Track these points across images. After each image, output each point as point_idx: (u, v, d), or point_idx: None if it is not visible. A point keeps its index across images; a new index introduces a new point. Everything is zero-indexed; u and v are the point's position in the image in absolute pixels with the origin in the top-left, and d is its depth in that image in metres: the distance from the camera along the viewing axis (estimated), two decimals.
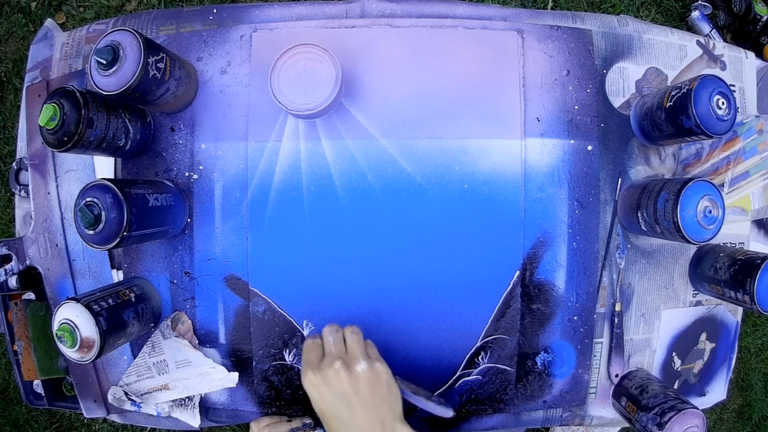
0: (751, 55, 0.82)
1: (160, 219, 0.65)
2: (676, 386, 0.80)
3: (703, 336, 0.80)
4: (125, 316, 0.64)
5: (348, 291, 0.71)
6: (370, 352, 0.59)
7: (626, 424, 0.77)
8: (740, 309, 0.81)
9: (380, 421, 0.55)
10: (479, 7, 0.75)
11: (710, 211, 0.64)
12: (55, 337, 0.60)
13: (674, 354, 0.78)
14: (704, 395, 0.82)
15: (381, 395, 0.56)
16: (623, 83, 0.75)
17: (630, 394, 0.73)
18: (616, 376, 0.76)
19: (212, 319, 0.72)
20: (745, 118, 0.78)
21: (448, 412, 0.61)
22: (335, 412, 0.55)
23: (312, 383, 0.56)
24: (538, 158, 0.71)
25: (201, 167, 0.71)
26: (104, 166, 0.73)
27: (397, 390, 0.58)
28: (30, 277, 0.78)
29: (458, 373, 0.72)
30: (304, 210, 0.70)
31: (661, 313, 0.77)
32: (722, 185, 0.77)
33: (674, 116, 0.66)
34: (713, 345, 0.80)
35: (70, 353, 0.60)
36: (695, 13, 1.51)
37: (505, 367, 0.73)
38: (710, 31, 1.51)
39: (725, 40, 1.56)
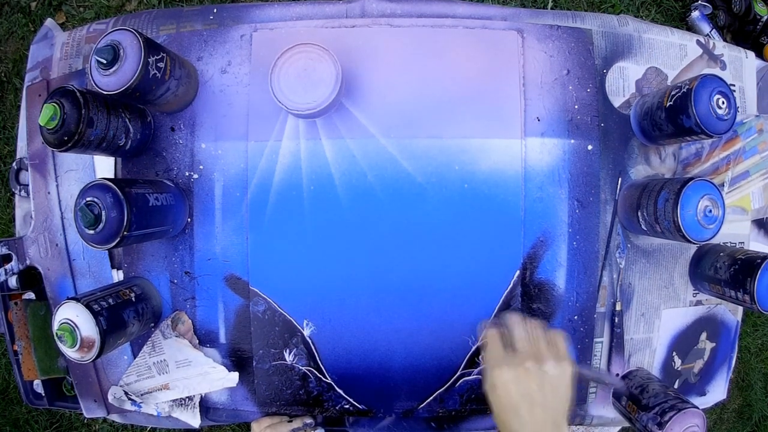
0: (751, 54, 0.82)
1: (160, 218, 0.65)
2: (676, 386, 0.79)
3: (704, 335, 0.80)
4: (125, 315, 0.64)
5: (348, 290, 0.71)
6: (560, 347, 0.59)
7: (626, 424, 0.77)
8: (740, 309, 0.81)
9: (552, 421, 0.56)
10: (479, 6, 0.75)
11: (710, 211, 0.64)
12: (56, 337, 0.59)
13: (674, 353, 0.78)
14: (704, 395, 0.82)
15: (560, 396, 0.57)
16: (623, 83, 0.75)
17: (630, 393, 0.73)
18: (617, 375, 0.76)
19: (212, 319, 0.72)
20: (745, 118, 0.78)
21: (621, 385, 0.74)
22: (516, 409, 0.56)
23: (501, 379, 0.56)
24: (538, 158, 0.71)
25: (201, 167, 0.71)
26: (104, 166, 0.73)
27: (571, 390, 0.59)
28: (30, 277, 0.78)
29: (459, 373, 0.72)
30: (304, 209, 0.70)
31: (661, 312, 0.77)
32: (722, 185, 0.77)
33: (674, 116, 0.66)
34: (713, 344, 0.80)
35: (71, 353, 0.60)
36: (695, 13, 1.51)
37: None
38: (710, 31, 1.51)
39: (725, 40, 1.56)
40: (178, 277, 0.72)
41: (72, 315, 0.59)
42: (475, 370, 0.72)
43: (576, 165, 0.72)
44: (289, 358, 0.72)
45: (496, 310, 0.71)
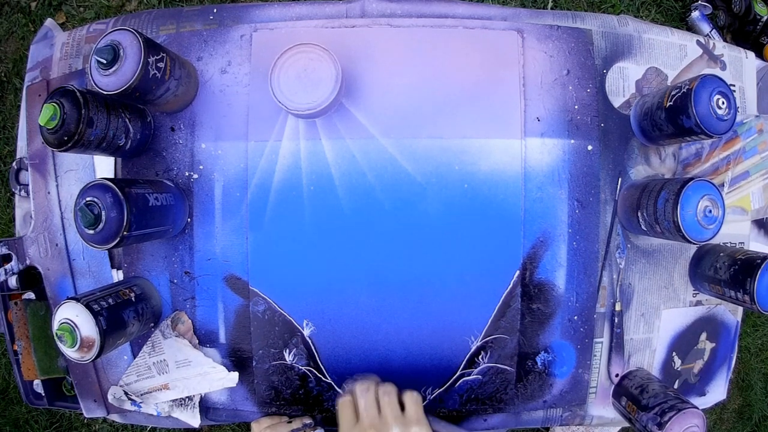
0: (751, 55, 0.82)
1: (160, 218, 0.65)
2: (676, 386, 0.79)
3: (703, 336, 0.80)
4: (125, 315, 0.64)
5: (348, 291, 0.71)
6: (410, 412, 0.57)
7: (626, 424, 0.77)
8: (740, 309, 0.81)
9: None
10: (479, 6, 0.75)
11: (710, 211, 0.64)
12: (55, 337, 0.59)
13: (674, 354, 0.78)
14: (704, 395, 0.82)
15: None
16: (623, 83, 0.75)
17: (630, 393, 0.73)
18: (616, 375, 0.76)
19: (212, 319, 0.72)
20: (745, 118, 0.78)
21: None
22: None
23: None
24: (538, 158, 0.71)
25: (201, 167, 0.71)
26: (104, 166, 0.73)
27: None
28: (30, 277, 0.78)
29: (458, 373, 0.72)
30: (304, 210, 0.70)
31: (661, 312, 0.77)
32: (722, 185, 0.77)
33: (674, 116, 0.66)
34: (713, 345, 0.80)
35: (70, 353, 0.60)
36: (695, 13, 1.51)
37: (506, 367, 0.73)
38: (710, 31, 1.51)
39: (725, 40, 1.56)
40: (178, 277, 0.72)
41: (72, 315, 0.59)
42: (475, 370, 0.72)
43: (576, 165, 0.72)
44: (288, 358, 0.72)
45: (496, 310, 0.71)
